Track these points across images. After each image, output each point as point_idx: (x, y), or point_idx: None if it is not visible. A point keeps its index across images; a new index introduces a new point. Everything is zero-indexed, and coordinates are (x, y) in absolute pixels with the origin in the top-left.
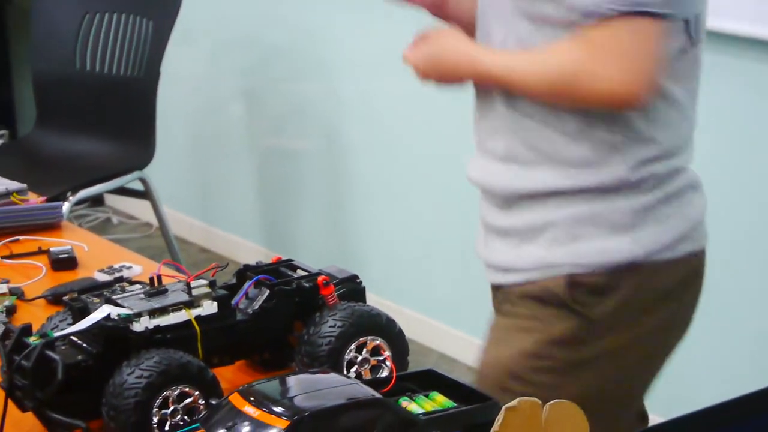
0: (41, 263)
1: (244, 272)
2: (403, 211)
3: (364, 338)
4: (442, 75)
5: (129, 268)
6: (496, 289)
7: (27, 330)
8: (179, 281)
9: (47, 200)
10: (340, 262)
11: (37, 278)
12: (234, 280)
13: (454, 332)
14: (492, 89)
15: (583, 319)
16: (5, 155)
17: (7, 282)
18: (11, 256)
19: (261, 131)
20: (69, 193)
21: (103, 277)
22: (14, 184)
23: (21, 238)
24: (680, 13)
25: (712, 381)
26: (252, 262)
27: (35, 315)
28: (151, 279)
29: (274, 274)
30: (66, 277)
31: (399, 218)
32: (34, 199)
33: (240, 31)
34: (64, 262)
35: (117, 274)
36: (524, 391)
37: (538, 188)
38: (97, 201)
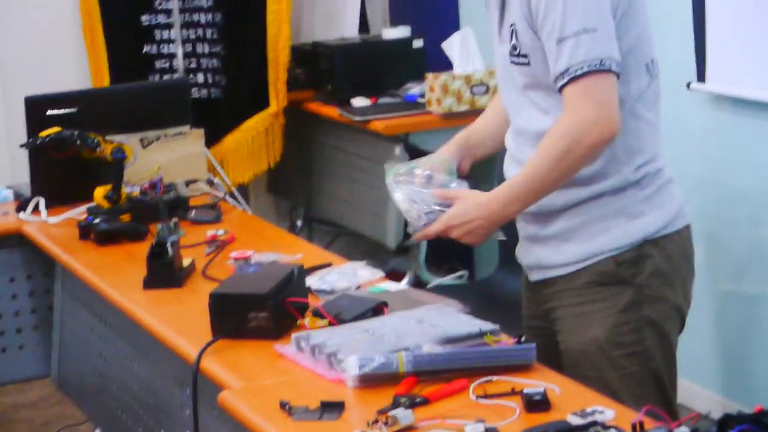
0: (515, 404)
1: (725, 421)
2: None
3: None
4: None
5: (602, 412)
6: (539, 286)
7: None
8: (659, 427)
9: (517, 341)
10: None
11: (511, 419)
12: (714, 429)
13: None
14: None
15: (634, 287)
16: (468, 295)
17: (483, 422)
18: (486, 396)
19: (721, 275)
20: None
21: (576, 421)
22: (488, 325)
23: (495, 378)
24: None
25: None
26: (706, 409)
27: None
28: (633, 425)
29: (757, 423)
30: (539, 419)
31: None
32: (506, 340)
33: (705, 174)
34: (538, 404)
35: (590, 418)
36: (623, 353)
37: (569, 201)
38: None
